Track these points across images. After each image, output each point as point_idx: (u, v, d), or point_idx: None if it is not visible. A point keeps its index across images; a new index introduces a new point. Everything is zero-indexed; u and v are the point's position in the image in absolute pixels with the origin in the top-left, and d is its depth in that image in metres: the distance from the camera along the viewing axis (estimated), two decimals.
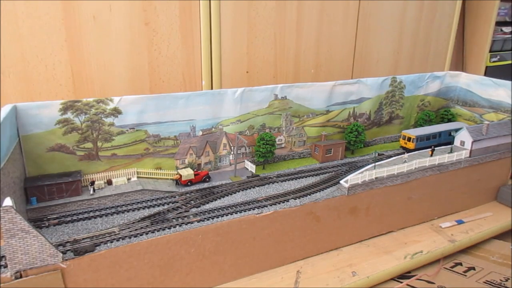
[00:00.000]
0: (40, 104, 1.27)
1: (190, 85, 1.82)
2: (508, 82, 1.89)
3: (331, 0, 2.07)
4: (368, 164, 1.59)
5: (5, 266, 0.95)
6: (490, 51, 3.07)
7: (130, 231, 1.15)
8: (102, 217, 1.26)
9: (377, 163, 1.57)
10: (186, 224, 1.19)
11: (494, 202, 1.89)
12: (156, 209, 1.31)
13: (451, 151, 1.68)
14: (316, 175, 1.61)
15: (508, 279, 1.45)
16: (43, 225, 1.19)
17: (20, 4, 1.42)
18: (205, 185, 1.50)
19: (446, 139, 1.86)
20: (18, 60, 1.47)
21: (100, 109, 1.34)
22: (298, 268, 1.36)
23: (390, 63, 2.47)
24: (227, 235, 1.22)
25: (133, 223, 1.21)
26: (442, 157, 1.60)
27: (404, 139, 1.87)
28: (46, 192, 1.28)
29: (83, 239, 1.11)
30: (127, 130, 1.41)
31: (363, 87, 1.85)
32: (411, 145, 1.83)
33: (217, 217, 1.24)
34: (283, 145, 1.76)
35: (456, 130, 1.77)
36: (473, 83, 2.07)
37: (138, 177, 1.47)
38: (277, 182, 1.53)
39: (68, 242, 1.09)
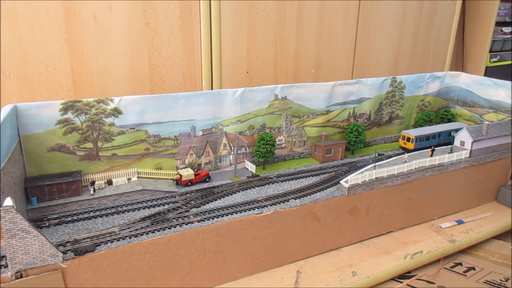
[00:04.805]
0: (40, 104, 1.27)
1: (190, 85, 1.82)
2: (508, 82, 1.89)
3: (331, 0, 2.07)
4: (368, 164, 1.59)
5: (6, 266, 0.95)
6: (490, 51, 3.07)
7: (131, 231, 1.15)
8: (102, 217, 1.26)
9: (377, 163, 1.57)
10: (186, 224, 1.19)
11: (494, 202, 1.89)
12: (157, 209, 1.31)
13: (451, 151, 1.68)
14: (316, 175, 1.61)
15: (508, 279, 1.45)
16: (43, 225, 1.19)
17: (20, 4, 1.42)
18: (205, 185, 1.50)
19: (446, 139, 1.86)
20: (18, 60, 1.47)
21: (100, 109, 1.35)
22: (298, 268, 1.36)
23: (390, 63, 2.47)
24: (227, 235, 1.22)
25: (134, 223, 1.21)
26: (442, 157, 1.60)
27: (403, 139, 1.87)
28: (47, 192, 1.28)
29: (84, 239, 1.11)
30: (127, 130, 1.41)
31: (363, 87, 1.85)
32: (410, 145, 1.83)
33: (217, 217, 1.24)
34: (283, 145, 1.76)
35: (456, 130, 1.77)
36: (473, 83, 2.07)
37: (138, 177, 1.47)
38: (277, 182, 1.53)
39: (68, 242, 1.09)
